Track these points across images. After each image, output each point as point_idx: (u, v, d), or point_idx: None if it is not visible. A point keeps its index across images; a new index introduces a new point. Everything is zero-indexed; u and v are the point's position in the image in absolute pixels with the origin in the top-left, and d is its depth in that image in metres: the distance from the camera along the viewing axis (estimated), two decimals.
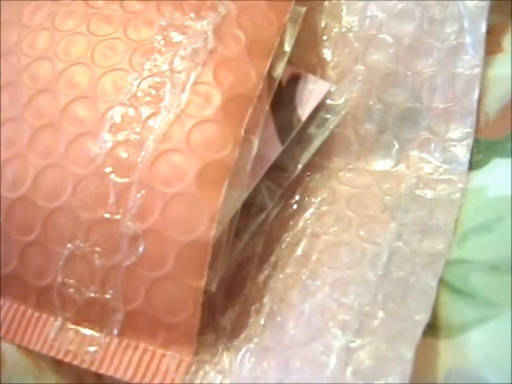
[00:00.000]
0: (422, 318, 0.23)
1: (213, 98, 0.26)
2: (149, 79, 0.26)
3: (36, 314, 0.26)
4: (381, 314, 0.24)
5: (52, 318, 0.26)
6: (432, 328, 0.24)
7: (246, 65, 0.27)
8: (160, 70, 0.26)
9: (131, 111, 0.26)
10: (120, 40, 0.27)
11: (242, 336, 0.25)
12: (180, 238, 0.24)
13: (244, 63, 0.27)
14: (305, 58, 0.31)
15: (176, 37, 0.27)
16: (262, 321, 0.25)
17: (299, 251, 0.27)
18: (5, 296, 0.27)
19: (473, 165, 0.28)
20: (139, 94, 0.26)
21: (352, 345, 0.23)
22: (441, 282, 0.25)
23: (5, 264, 0.26)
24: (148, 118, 0.26)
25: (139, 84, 0.26)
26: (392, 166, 0.29)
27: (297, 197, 0.29)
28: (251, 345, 0.25)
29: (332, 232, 0.27)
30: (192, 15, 0.28)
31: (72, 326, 0.26)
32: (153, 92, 0.26)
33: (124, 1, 0.28)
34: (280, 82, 0.28)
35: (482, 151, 0.28)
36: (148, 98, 0.26)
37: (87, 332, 0.26)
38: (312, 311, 0.25)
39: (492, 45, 0.30)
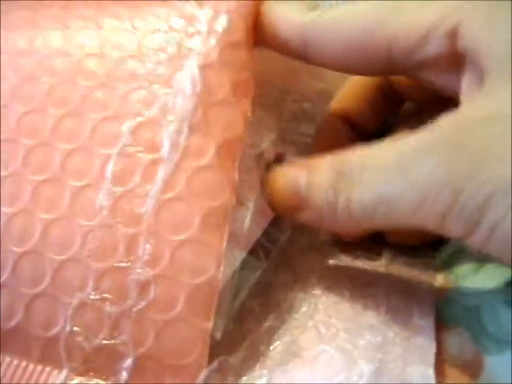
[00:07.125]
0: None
1: (208, 145, 0.27)
2: (144, 127, 0.27)
3: (39, 368, 0.26)
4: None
5: (55, 371, 0.26)
6: None
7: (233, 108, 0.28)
8: (155, 117, 0.27)
9: (129, 161, 0.27)
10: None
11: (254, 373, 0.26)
12: (190, 281, 0.25)
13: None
14: None
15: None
16: (272, 362, 0.26)
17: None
18: (5, 353, 0.26)
19: None
20: (135, 142, 0.27)
21: None
22: None
23: (7, 319, 0.26)
24: (147, 168, 0.27)
25: (133, 131, 0.27)
26: None
27: None
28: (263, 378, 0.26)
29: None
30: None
31: (77, 379, 0.26)
32: (149, 141, 0.27)
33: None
34: None
35: None
36: (143, 148, 0.27)
37: (93, 382, 0.26)
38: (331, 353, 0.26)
39: None
